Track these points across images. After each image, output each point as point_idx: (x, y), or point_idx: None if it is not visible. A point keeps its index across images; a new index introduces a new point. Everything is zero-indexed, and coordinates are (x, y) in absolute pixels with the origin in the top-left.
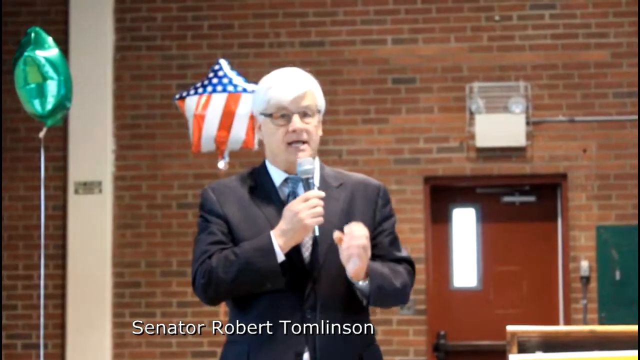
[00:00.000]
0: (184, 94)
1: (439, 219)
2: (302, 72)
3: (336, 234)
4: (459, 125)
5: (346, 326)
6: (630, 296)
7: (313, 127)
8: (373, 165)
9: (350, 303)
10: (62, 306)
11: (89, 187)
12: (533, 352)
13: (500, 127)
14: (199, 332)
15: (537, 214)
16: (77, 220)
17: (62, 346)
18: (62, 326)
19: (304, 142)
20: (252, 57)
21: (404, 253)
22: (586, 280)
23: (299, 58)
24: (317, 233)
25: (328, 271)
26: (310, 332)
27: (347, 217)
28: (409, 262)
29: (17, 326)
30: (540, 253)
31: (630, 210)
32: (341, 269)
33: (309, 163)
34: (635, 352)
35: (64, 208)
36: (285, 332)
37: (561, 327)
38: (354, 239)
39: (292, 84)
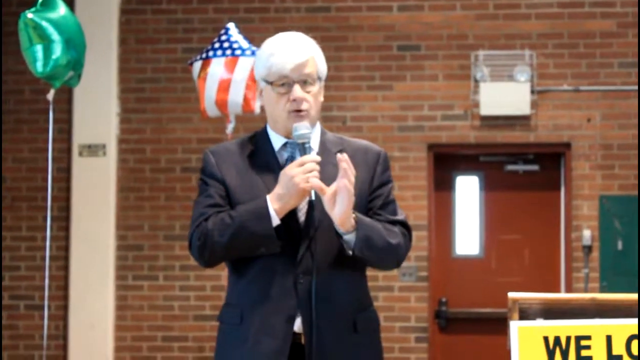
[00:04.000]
0: (194, 59)
1: (442, 186)
2: (304, 37)
3: (339, 155)
4: (463, 93)
5: (340, 291)
6: (632, 266)
7: (314, 95)
8: (377, 132)
9: (345, 268)
10: (65, 268)
11: (93, 149)
12: (534, 319)
13: (504, 95)
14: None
15: (541, 183)
16: (80, 183)
17: (64, 308)
18: (65, 288)
19: (304, 111)
20: (257, 22)
21: (400, 216)
22: (588, 249)
23: (305, 23)
24: (313, 197)
25: (323, 236)
26: (303, 297)
27: None
28: (404, 226)
29: (20, 287)
30: (543, 222)
31: (633, 180)
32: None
33: (305, 128)
34: (635, 320)
35: (68, 170)
36: (277, 296)
37: (562, 295)
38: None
39: (294, 52)
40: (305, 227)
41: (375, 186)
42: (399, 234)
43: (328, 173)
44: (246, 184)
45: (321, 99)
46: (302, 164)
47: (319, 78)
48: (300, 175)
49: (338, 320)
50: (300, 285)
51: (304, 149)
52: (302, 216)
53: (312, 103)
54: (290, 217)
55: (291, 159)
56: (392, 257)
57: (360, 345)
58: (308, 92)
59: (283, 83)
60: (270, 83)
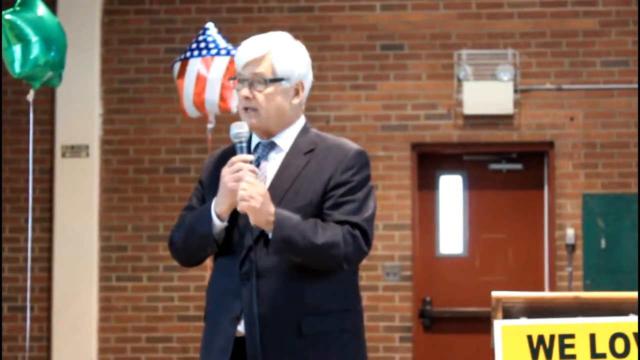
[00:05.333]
0: (174, 60)
1: (426, 185)
2: (269, 37)
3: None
4: (446, 92)
5: (282, 293)
6: (615, 264)
7: (265, 94)
8: (360, 132)
9: (293, 270)
10: (49, 269)
11: (76, 150)
12: (518, 317)
13: (488, 94)
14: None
15: (524, 181)
16: (64, 184)
17: (48, 309)
18: (49, 289)
19: (249, 109)
20: (240, 22)
21: (354, 217)
22: (572, 248)
23: (288, 23)
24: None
25: (267, 237)
26: (246, 298)
27: (301, 181)
28: (356, 226)
29: (4, 289)
30: (527, 221)
31: (617, 178)
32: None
33: (240, 127)
34: (618, 318)
35: (50, 171)
36: (226, 297)
37: (546, 294)
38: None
39: (247, 50)
40: (247, 229)
41: (331, 186)
42: (339, 233)
43: (287, 173)
44: (215, 186)
45: (285, 100)
46: (232, 164)
47: (278, 79)
48: (228, 175)
49: (280, 323)
50: (245, 287)
51: (240, 148)
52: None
53: (260, 102)
54: (240, 218)
55: (258, 160)
56: (320, 257)
57: (306, 348)
58: (259, 92)
59: (240, 79)
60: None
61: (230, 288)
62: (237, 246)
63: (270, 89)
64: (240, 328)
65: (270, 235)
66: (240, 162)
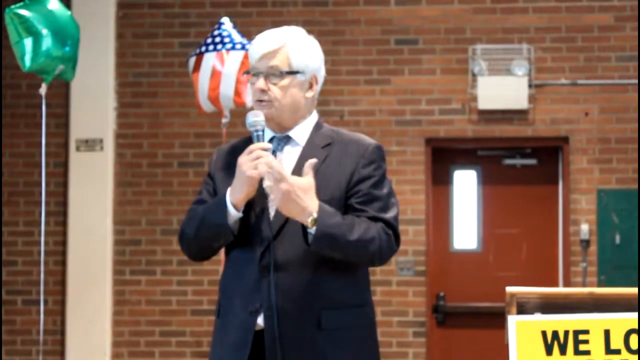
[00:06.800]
0: (190, 55)
1: (440, 180)
2: (284, 30)
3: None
4: (461, 87)
5: (302, 287)
6: (630, 260)
7: (281, 87)
8: (374, 127)
9: (312, 264)
10: (63, 263)
11: (90, 144)
12: (532, 313)
13: (502, 89)
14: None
15: (538, 176)
16: (78, 178)
17: (62, 302)
18: (63, 283)
19: (264, 101)
20: (255, 16)
21: (386, 215)
22: (586, 243)
23: (302, 17)
24: (265, 184)
25: (291, 230)
26: (265, 291)
27: (318, 177)
28: (386, 223)
29: (17, 282)
30: (541, 216)
31: (631, 174)
32: (302, 227)
33: (255, 115)
34: (633, 314)
35: (65, 165)
36: (245, 290)
37: (560, 289)
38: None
39: (262, 44)
40: (268, 221)
41: (354, 181)
42: (372, 230)
43: (303, 166)
44: (228, 180)
45: (299, 93)
46: (250, 152)
47: (294, 72)
48: (247, 163)
49: (299, 316)
50: (264, 280)
51: (257, 137)
52: (272, 211)
53: (276, 95)
54: (259, 209)
55: (273, 153)
56: (358, 253)
57: (325, 342)
58: (274, 84)
59: (254, 73)
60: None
61: (249, 281)
62: (254, 238)
63: (285, 81)
64: (259, 321)
65: (311, 231)
66: (259, 150)
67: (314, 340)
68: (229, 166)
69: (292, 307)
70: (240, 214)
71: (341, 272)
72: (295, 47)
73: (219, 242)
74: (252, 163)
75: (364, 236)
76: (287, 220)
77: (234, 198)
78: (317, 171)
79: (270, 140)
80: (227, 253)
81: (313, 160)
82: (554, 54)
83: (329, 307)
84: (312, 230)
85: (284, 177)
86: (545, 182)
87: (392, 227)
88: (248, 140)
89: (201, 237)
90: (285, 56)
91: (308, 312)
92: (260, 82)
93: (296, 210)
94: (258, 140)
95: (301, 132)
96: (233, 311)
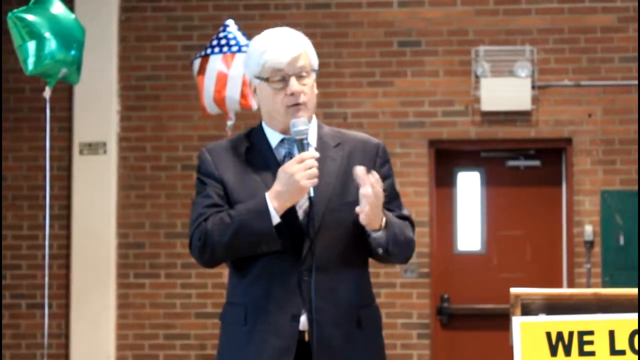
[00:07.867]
0: (194, 57)
1: (444, 182)
2: (294, 31)
3: (359, 170)
4: (464, 88)
5: (343, 288)
6: (634, 261)
7: (309, 87)
8: (378, 129)
9: (347, 264)
10: (67, 266)
11: (93, 147)
12: (536, 314)
13: (505, 91)
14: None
15: (542, 178)
16: (81, 181)
17: (66, 306)
18: (67, 286)
19: (302, 104)
20: (257, 18)
21: (405, 211)
22: (590, 244)
23: (304, 20)
24: (312, 194)
25: (326, 232)
26: (307, 294)
27: (345, 176)
28: (409, 221)
29: (22, 286)
30: (545, 217)
31: (634, 175)
32: (340, 228)
33: (303, 124)
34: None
35: (68, 169)
36: (281, 295)
37: (565, 290)
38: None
39: (287, 46)
40: (306, 225)
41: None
42: (411, 229)
43: (327, 167)
44: (244, 181)
45: (315, 91)
46: (301, 161)
47: (313, 70)
48: (300, 172)
49: (342, 317)
50: (304, 283)
51: (302, 145)
52: (302, 214)
53: (309, 96)
54: (291, 214)
55: (289, 155)
56: (409, 251)
57: (365, 341)
58: (304, 85)
59: (279, 78)
60: (266, 79)
61: (285, 285)
62: (287, 242)
63: (311, 80)
64: (301, 326)
65: (376, 234)
66: (311, 158)
67: (356, 341)
68: (236, 167)
69: (335, 308)
70: (279, 220)
71: (364, 271)
72: (310, 47)
73: (260, 249)
74: (307, 173)
75: (411, 235)
76: (321, 224)
77: (280, 205)
78: (338, 170)
79: (281, 142)
80: (249, 259)
81: (362, 168)
82: (557, 55)
83: (363, 306)
84: (378, 232)
85: (376, 186)
86: (549, 183)
87: (412, 223)
88: (240, 141)
89: (237, 244)
90: (307, 56)
91: (348, 313)
92: (296, 85)
93: (380, 216)
94: (304, 149)
95: (311, 132)
96: (266, 317)
